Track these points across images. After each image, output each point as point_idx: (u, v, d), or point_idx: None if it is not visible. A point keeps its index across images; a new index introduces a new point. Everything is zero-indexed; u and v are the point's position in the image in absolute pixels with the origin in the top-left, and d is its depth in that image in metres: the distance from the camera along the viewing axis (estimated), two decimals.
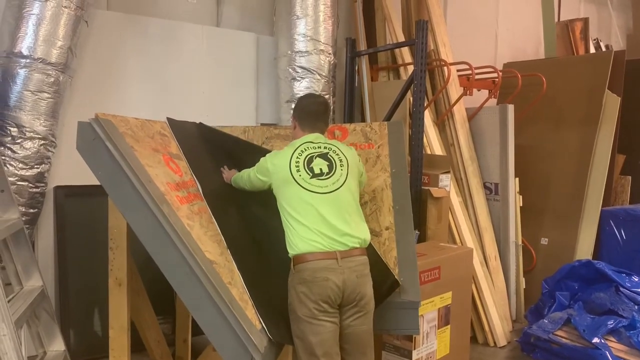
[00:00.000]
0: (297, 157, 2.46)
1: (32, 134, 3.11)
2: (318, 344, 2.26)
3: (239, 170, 2.77)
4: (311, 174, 2.42)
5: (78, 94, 3.53)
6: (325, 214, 2.34)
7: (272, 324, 2.19)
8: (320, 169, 2.44)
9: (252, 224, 2.72)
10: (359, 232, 2.41)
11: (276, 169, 2.46)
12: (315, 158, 2.47)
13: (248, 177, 2.62)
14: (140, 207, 2.08)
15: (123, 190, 2.10)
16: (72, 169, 3.39)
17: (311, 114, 2.65)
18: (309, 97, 2.86)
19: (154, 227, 2.07)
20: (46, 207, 3.43)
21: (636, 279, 3.97)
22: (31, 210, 3.22)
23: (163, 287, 2.43)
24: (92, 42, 3.59)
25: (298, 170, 2.41)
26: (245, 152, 3.10)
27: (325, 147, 2.53)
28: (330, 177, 2.44)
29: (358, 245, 2.38)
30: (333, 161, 2.49)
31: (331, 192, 2.40)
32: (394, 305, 2.52)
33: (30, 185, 3.16)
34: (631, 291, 3.86)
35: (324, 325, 2.27)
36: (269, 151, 3.07)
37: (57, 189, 3.51)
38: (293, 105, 3.97)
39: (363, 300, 2.35)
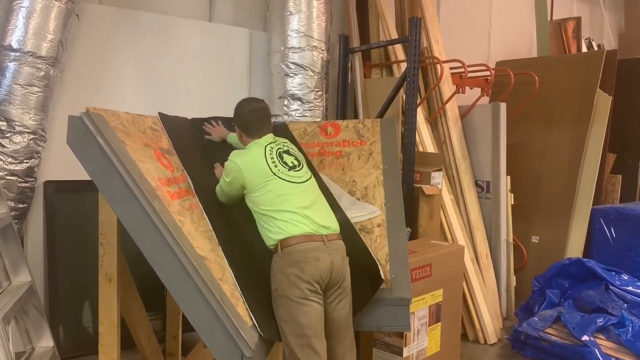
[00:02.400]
0: (270, 153, 2.53)
1: (21, 128, 3.08)
2: (309, 326, 2.27)
3: None
4: (287, 167, 2.51)
5: (68, 88, 3.50)
6: (305, 201, 2.43)
7: (264, 321, 2.19)
8: (292, 162, 2.55)
9: (244, 220, 2.71)
10: (333, 218, 2.52)
11: (250, 167, 2.45)
12: (283, 154, 2.57)
13: (220, 189, 2.58)
14: (130, 203, 2.07)
15: (114, 185, 2.08)
16: (62, 164, 3.36)
17: (253, 122, 2.62)
18: (248, 103, 2.69)
19: (145, 222, 2.05)
20: (36, 202, 3.40)
21: (625, 277, 4.00)
22: (20, 205, 3.20)
23: (154, 283, 2.42)
24: (83, 35, 3.56)
25: (275, 166, 2.48)
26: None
27: (284, 145, 2.64)
28: (300, 169, 2.56)
29: (337, 231, 2.48)
30: (296, 156, 2.62)
31: (305, 181, 2.52)
32: (385, 302, 2.52)
33: (20, 179, 3.14)
34: (620, 289, 3.89)
35: (313, 306, 2.30)
36: None
37: (47, 183, 3.49)
38: (286, 102, 4.01)
39: (345, 282, 2.42)
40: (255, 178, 2.45)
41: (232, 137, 2.90)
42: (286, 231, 2.35)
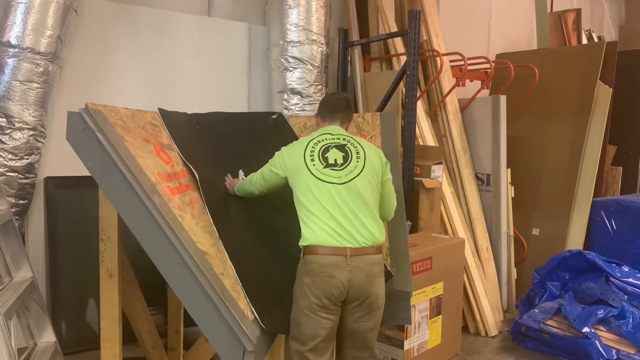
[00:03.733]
0: (313, 147, 2.43)
1: (21, 124, 3.08)
2: (310, 338, 2.26)
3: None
4: (325, 164, 2.37)
5: (68, 84, 3.50)
6: (337, 205, 2.29)
7: (265, 314, 2.19)
8: (335, 160, 2.39)
9: (245, 214, 2.71)
10: (371, 228, 2.32)
11: (291, 159, 2.44)
12: (332, 148, 2.43)
13: (261, 176, 2.56)
14: (131, 198, 2.06)
15: (114, 181, 2.08)
16: (62, 160, 3.35)
17: (328, 105, 2.67)
18: (330, 94, 2.89)
19: (145, 218, 2.05)
20: (36, 198, 3.40)
21: (626, 269, 4.00)
22: (21, 202, 3.20)
23: (155, 278, 2.42)
24: (81, 31, 3.55)
25: (312, 160, 2.38)
26: (240, 138, 3.10)
27: (344, 139, 2.48)
28: (344, 167, 2.37)
29: (370, 243, 2.29)
30: (350, 152, 2.43)
31: (345, 182, 2.34)
32: (386, 296, 2.53)
33: (20, 176, 3.13)
34: (621, 281, 3.90)
35: (320, 321, 2.25)
36: (262, 135, 3.07)
37: (48, 179, 3.49)
38: (285, 96, 4.00)
39: (369, 299, 2.30)
40: (292, 172, 2.41)
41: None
42: (308, 238, 2.29)
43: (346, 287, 2.24)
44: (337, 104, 2.66)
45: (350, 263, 2.24)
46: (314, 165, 2.36)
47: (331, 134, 2.50)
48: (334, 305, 2.26)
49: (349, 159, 2.41)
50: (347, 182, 2.34)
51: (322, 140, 2.46)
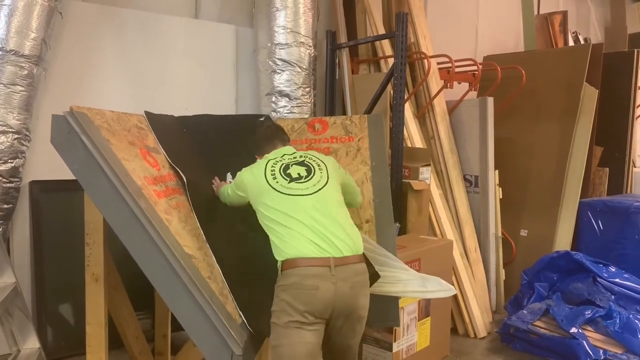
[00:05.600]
0: (273, 166, 2.38)
1: (5, 127, 3.04)
2: (291, 357, 2.08)
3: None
4: (289, 179, 2.31)
5: (53, 87, 3.46)
6: (311, 216, 2.18)
7: (253, 318, 2.17)
8: (298, 173, 2.33)
9: (233, 217, 2.70)
10: (352, 236, 2.22)
11: (250, 181, 2.38)
12: (292, 165, 2.38)
13: (227, 192, 2.57)
14: (116, 202, 2.05)
15: (99, 185, 2.06)
16: (47, 164, 3.32)
17: (260, 139, 2.64)
18: (257, 129, 2.75)
19: (131, 222, 2.03)
20: (21, 202, 3.36)
21: (613, 270, 4.03)
22: (5, 206, 3.16)
23: (142, 282, 2.40)
24: (67, 34, 3.51)
25: (274, 178, 2.31)
26: (227, 141, 3.08)
27: (300, 157, 2.45)
28: (309, 179, 2.32)
29: (353, 252, 2.17)
30: (311, 166, 2.39)
31: (314, 193, 2.27)
32: (374, 298, 2.52)
33: (4, 180, 3.09)
34: (608, 281, 3.92)
35: (303, 337, 2.07)
36: (249, 138, 3.05)
37: (33, 183, 3.45)
38: (274, 98, 3.99)
39: (354, 314, 2.16)
40: (253, 189, 2.36)
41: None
42: (287, 252, 2.14)
43: (331, 301, 2.08)
44: (267, 133, 2.64)
45: (335, 274, 2.09)
46: (277, 182, 2.30)
47: (287, 154, 2.48)
48: (317, 320, 2.09)
49: (312, 171, 2.36)
50: (316, 192, 2.27)
51: (280, 160, 2.43)
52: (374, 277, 2.45)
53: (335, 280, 2.08)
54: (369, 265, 2.34)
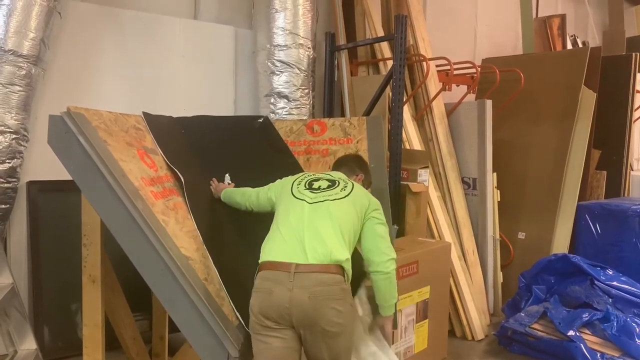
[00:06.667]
0: (306, 176, 2.47)
1: (3, 127, 3.03)
2: None
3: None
4: (308, 188, 2.36)
5: (51, 87, 3.46)
6: (301, 222, 2.17)
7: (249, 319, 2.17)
8: (319, 186, 2.36)
9: (230, 219, 2.69)
10: (330, 246, 2.10)
11: (283, 186, 2.46)
12: (322, 180, 2.42)
13: (256, 195, 2.57)
14: (113, 203, 2.04)
15: (96, 186, 2.06)
16: (45, 164, 3.31)
17: (338, 160, 2.77)
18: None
19: (128, 223, 2.03)
20: (19, 202, 3.36)
21: (610, 273, 4.03)
22: (3, 206, 3.15)
23: (140, 284, 2.39)
24: (65, 34, 3.51)
25: (298, 185, 2.39)
26: (225, 142, 3.08)
27: (339, 178, 2.46)
28: (324, 192, 2.31)
29: (320, 262, 2.05)
30: (337, 183, 2.38)
31: (317, 202, 2.25)
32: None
33: (2, 180, 3.09)
34: (605, 284, 3.92)
35: (268, 343, 2.03)
36: (248, 139, 3.05)
37: (30, 184, 3.44)
38: (272, 100, 3.99)
39: (316, 327, 2.01)
40: (280, 192, 2.43)
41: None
42: (262, 254, 2.16)
43: (286, 307, 1.99)
44: (344, 159, 2.75)
45: (293, 280, 2.01)
46: (297, 188, 2.37)
47: (330, 175, 2.51)
48: (277, 325, 2.02)
49: (333, 187, 2.35)
50: (320, 202, 2.25)
51: (315, 175, 2.50)
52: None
53: (292, 287, 2.00)
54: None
